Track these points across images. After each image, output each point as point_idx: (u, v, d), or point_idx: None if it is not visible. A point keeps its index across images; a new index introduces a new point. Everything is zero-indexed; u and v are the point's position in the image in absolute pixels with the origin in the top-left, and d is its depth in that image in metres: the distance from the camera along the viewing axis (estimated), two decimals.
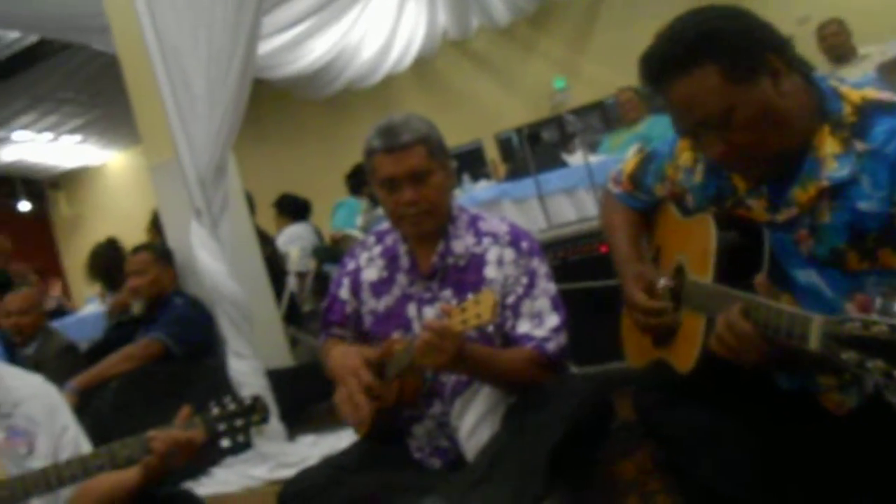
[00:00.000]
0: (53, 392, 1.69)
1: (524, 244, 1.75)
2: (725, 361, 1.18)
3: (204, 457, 2.81)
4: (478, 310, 1.39)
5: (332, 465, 1.75)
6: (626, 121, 5.01)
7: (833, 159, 1.15)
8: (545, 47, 7.78)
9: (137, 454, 1.48)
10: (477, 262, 1.73)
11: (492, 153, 7.37)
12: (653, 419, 1.40)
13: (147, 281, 3.16)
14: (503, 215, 3.34)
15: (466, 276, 1.73)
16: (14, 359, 3.16)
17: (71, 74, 6.46)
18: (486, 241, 1.75)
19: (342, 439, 2.50)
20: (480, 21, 7.35)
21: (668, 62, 1.19)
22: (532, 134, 5.21)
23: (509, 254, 1.73)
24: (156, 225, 3.98)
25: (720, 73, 1.14)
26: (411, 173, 1.66)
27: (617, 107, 5.22)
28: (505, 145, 5.76)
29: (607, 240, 1.68)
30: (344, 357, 1.71)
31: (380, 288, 1.81)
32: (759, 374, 1.29)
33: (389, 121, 1.70)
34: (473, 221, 1.81)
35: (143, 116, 3.35)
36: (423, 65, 7.70)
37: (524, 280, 1.70)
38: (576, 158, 3.91)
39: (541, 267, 1.74)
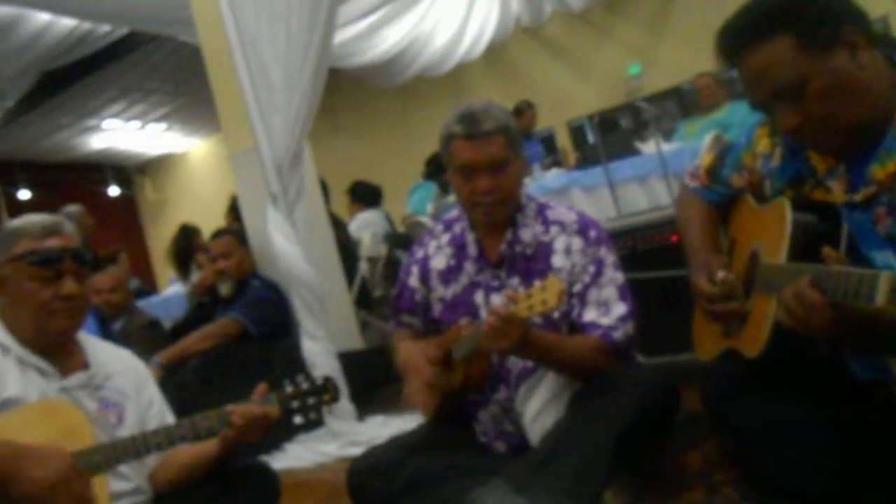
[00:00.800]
0: (141, 367, 1.81)
1: (592, 233, 1.74)
2: (795, 349, 1.16)
3: (278, 433, 2.92)
4: (544, 296, 1.40)
5: (400, 445, 1.80)
6: (704, 107, 4.86)
7: None
8: (621, 32, 7.61)
9: (217, 426, 1.56)
10: (544, 250, 1.74)
11: (564, 141, 7.30)
12: (721, 411, 1.38)
13: (233, 263, 3.30)
14: (572, 204, 3.33)
15: (534, 265, 1.73)
16: (105, 334, 3.36)
17: (157, 65, 6.73)
18: (554, 229, 1.76)
19: (409, 421, 2.56)
20: (554, 7, 7.26)
21: (743, 33, 1.20)
22: (607, 121, 5.13)
23: (577, 242, 1.72)
24: (234, 210, 4.14)
25: (795, 44, 1.14)
26: (490, 162, 1.67)
27: (695, 92, 5.07)
28: (577, 133, 5.69)
29: (680, 233, 1.67)
30: (408, 355, 1.77)
31: (448, 276, 1.84)
32: (831, 365, 1.27)
33: (470, 107, 1.70)
34: (541, 210, 1.81)
35: (223, 106, 3.48)
36: (496, 52, 7.67)
37: (591, 269, 1.70)
38: (649, 146, 3.84)
39: (608, 256, 1.73)
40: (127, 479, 1.60)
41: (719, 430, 1.43)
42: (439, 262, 1.87)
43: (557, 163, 5.31)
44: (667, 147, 3.80)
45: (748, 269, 1.39)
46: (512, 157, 1.70)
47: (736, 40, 1.22)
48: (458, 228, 1.87)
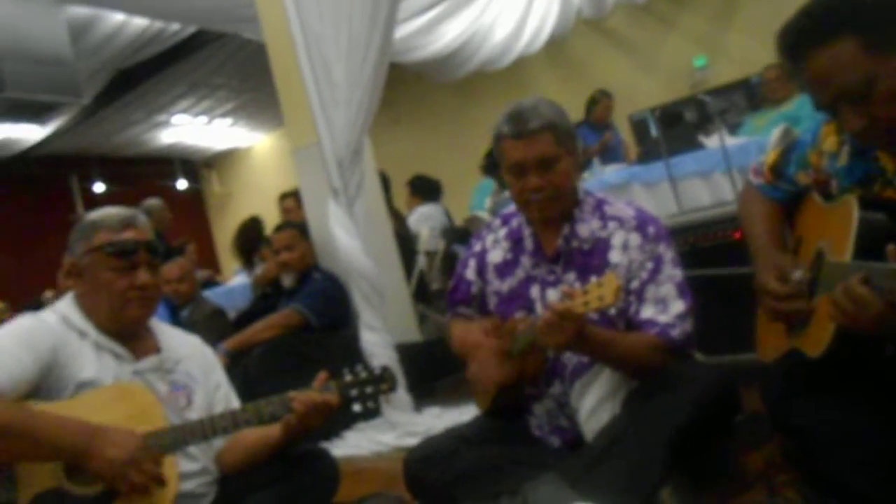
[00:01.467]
0: (209, 352, 1.89)
1: (651, 229, 1.73)
2: (861, 350, 1.14)
3: (337, 421, 2.99)
4: (600, 292, 1.40)
5: (455, 436, 1.82)
6: (772, 100, 4.72)
7: None
8: (686, 23, 7.41)
9: (280, 412, 1.63)
10: (602, 246, 1.73)
11: (626, 135, 7.17)
12: (781, 411, 1.35)
13: (297, 255, 3.39)
14: (632, 199, 3.29)
15: (591, 260, 1.73)
16: (175, 321, 3.50)
17: (224, 62, 6.93)
18: (612, 225, 1.75)
19: (465, 413, 2.58)
20: None
21: (806, 34, 1.18)
22: (670, 114, 5.03)
23: (635, 238, 1.71)
24: (283, 200, 4.29)
25: (859, 45, 1.12)
26: (538, 160, 1.68)
27: (763, 85, 4.92)
28: (639, 127, 5.59)
29: (744, 230, 1.63)
30: (466, 333, 1.78)
31: (504, 269, 1.85)
32: (891, 366, 1.23)
33: (518, 106, 1.71)
34: (599, 206, 1.80)
35: (287, 102, 3.56)
36: (557, 45, 7.58)
37: (649, 265, 1.69)
38: (713, 140, 3.75)
39: (667, 252, 1.71)
40: (195, 460, 1.67)
41: (779, 429, 1.39)
42: (496, 256, 1.88)
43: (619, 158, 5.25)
44: (732, 141, 3.71)
45: (814, 268, 1.35)
46: (561, 153, 1.70)
47: (798, 41, 1.20)
48: (515, 223, 1.88)
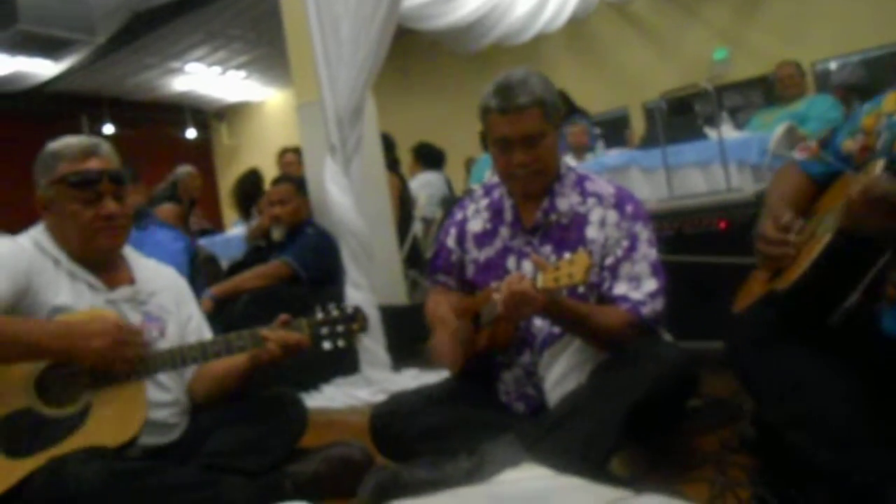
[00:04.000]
0: (182, 284, 1.92)
1: (629, 207, 1.75)
2: (825, 301, 1.18)
3: (316, 374, 3.05)
4: (571, 270, 1.43)
5: (424, 394, 1.87)
6: (784, 97, 4.69)
7: None
8: (709, 14, 7.33)
9: (249, 346, 1.67)
10: (580, 220, 1.76)
11: (638, 122, 7.12)
12: (742, 360, 1.37)
13: (289, 210, 3.40)
14: (629, 182, 3.30)
15: (568, 234, 1.75)
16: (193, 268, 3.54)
17: (242, 13, 6.89)
18: (591, 201, 1.77)
19: (442, 376, 2.62)
20: None
21: None
22: (679, 104, 5.01)
23: (612, 216, 1.74)
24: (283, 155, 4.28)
25: None
26: (525, 136, 1.68)
27: (776, 82, 4.89)
28: (652, 114, 5.56)
29: (766, 199, 1.62)
30: (437, 305, 1.82)
31: (483, 239, 1.88)
32: (862, 319, 1.24)
33: (507, 79, 1.70)
34: (580, 181, 1.82)
35: (295, 57, 3.57)
36: (577, 25, 7.48)
37: (625, 243, 1.71)
38: (723, 131, 3.73)
39: (643, 231, 1.73)
40: (167, 391, 1.72)
41: (737, 377, 1.40)
42: (476, 225, 1.90)
43: (624, 143, 5.24)
44: (737, 135, 3.72)
45: (814, 227, 1.38)
46: (548, 129, 1.71)
47: None
48: (497, 194, 1.90)
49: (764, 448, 1.52)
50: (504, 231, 1.85)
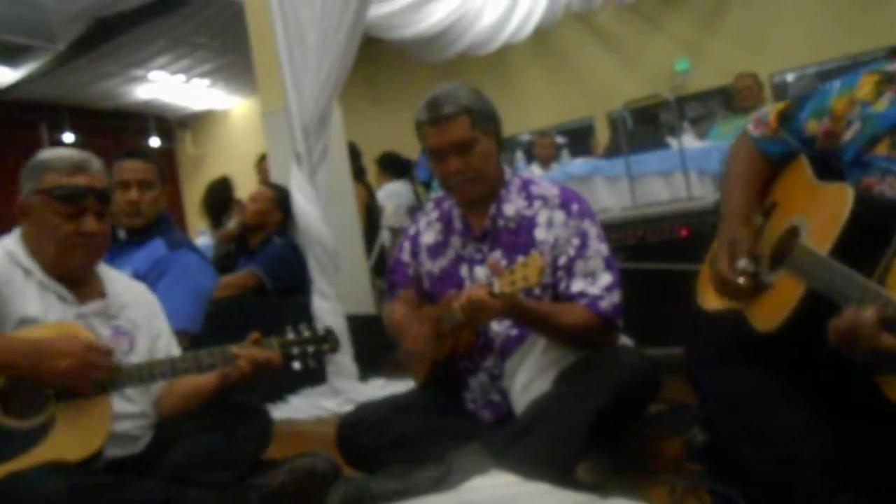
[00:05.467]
0: (153, 300, 1.90)
1: (574, 206, 1.79)
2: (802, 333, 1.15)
3: (282, 385, 3.02)
4: (525, 272, 1.46)
5: (391, 404, 1.88)
6: (742, 108, 4.81)
7: None
8: (672, 25, 7.47)
9: (219, 363, 1.65)
10: (527, 224, 1.79)
11: (602, 131, 7.21)
12: (699, 373, 1.39)
13: (255, 210, 3.44)
14: (593, 191, 3.35)
15: (517, 238, 1.79)
16: None
17: (206, 21, 6.81)
18: (537, 203, 1.81)
19: (409, 386, 2.61)
20: None
21: None
22: (643, 114, 5.09)
23: (559, 216, 1.78)
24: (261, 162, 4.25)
25: None
26: (455, 144, 1.74)
27: (734, 93, 5.01)
28: (616, 124, 5.65)
29: (723, 186, 1.56)
30: (400, 317, 1.83)
31: (436, 250, 1.91)
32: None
33: (435, 92, 1.77)
34: (525, 185, 1.86)
35: (260, 64, 3.57)
36: (543, 36, 7.57)
37: (575, 241, 1.75)
38: (685, 141, 3.79)
39: (592, 228, 1.78)
40: (133, 403, 1.69)
41: (695, 390, 1.42)
42: (428, 238, 1.94)
43: (589, 152, 5.30)
44: (699, 144, 3.80)
45: (783, 242, 1.34)
46: (478, 135, 1.76)
47: None
48: (446, 205, 1.94)
49: (713, 454, 1.51)
50: (455, 241, 1.88)
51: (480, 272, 1.80)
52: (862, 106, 1.34)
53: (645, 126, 4.37)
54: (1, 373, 1.47)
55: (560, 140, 5.80)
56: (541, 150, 5.69)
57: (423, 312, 1.85)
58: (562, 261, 1.75)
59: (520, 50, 7.68)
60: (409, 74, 8.38)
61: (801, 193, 1.40)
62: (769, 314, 1.27)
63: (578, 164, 3.85)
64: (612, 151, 3.90)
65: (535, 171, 5.39)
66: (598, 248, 1.76)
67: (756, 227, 1.45)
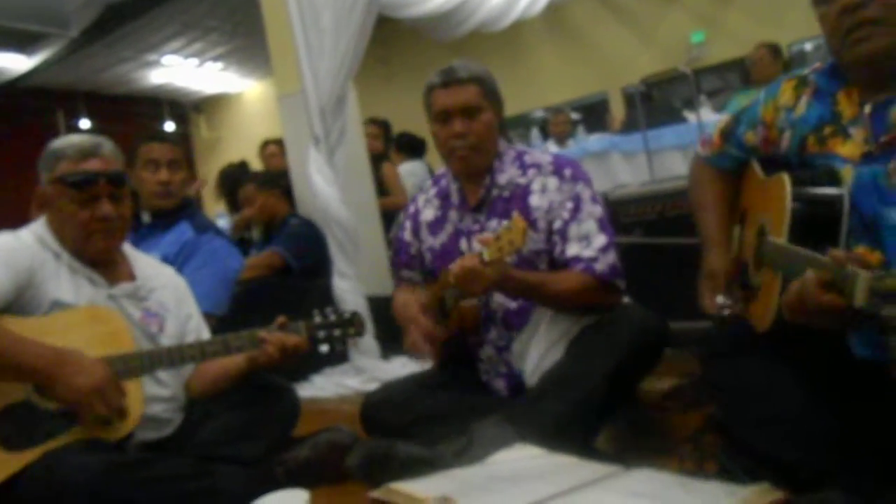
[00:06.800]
0: (182, 283, 1.93)
1: (567, 171, 1.81)
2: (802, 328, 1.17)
3: (306, 365, 3.06)
4: (510, 237, 1.48)
5: (414, 382, 1.94)
6: (759, 80, 4.74)
7: None
8: None
9: (247, 347, 1.69)
10: (522, 192, 1.82)
11: (617, 106, 7.14)
12: (712, 369, 1.42)
13: (255, 209, 3.45)
14: (610, 167, 3.34)
15: (511, 206, 1.81)
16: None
17: (218, 4, 6.81)
18: (531, 172, 1.83)
19: (430, 364, 2.65)
20: None
21: None
22: (658, 88, 5.05)
23: (552, 182, 1.80)
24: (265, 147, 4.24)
25: None
26: (464, 106, 1.78)
27: (752, 65, 4.94)
28: (631, 99, 5.60)
29: (694, 216, 1.63)
30: (405, 308, 1.85)
31: (435, 226, 1.94)
32: (833, 339, 1.27)
33: (450, 64, 1.83)
34: (519, 156, 1.89)
35: (275, 48, 3.55)
36: (556, 10, 7.46)
37: (569, 205, 1.77)
38: (702, 114, 3.76)
39: (585, 191, 1.79)
40: (165, 386, 1.73)
41: (708, 387, 1.47)
42: (428, 214, 1.96)
43: (604, 128, 5.27)
44: (715, 117, 3.76)
45: (758, 243, 1.39)
46: (485, 105, 1.80)
47: None
48: (444, 181, 1.96)
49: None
50: (453, 214, 1.91)
51: (478, 244, 1.82)
52: (786, 112, 1.42)
53: (659, 101, 4.32)
54: (20, 377, 1.46)
55: (575, 116, 5.74)
56: (555, 127, 5.64)
57: (424, 294, 1.88)
58: (557, 224, 1.76)
59: (532, 26, 7.58)
60: (421, 54, 8.32)
61: (758, 194, 1.48)
62: (762, 314, 1.32)
63: (595, 140, 3.84)
64: (629, 126, 3.88)
65: (552, 147, 5.36)
66: (592, 210, 1.77)
67: (736, 238, 1.52)
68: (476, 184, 1.87)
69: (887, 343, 0.98)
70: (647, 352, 1.67)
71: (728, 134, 1.57)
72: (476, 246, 1.80)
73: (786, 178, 1.28)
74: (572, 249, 1.74)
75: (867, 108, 1.25)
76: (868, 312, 0.94)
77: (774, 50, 4.46)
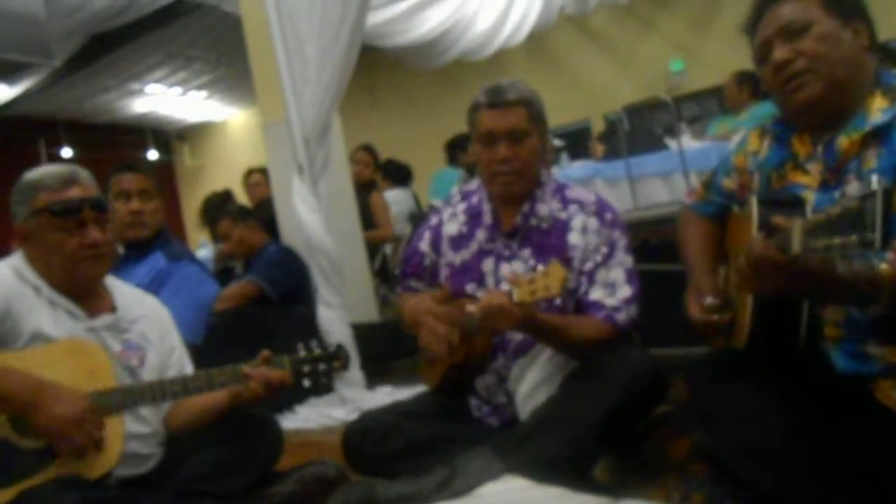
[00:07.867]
0: (165, 314, 1.89)
1: (608, 215, 1.80)
2: (777, 340, 1.26)
3: (290, 396, 3.01)
4: (547, 282, 1.47)
5: (397, 411, 1.88)
6: (731, 107, 4.86)
7: (878, 112, 1.30)
8: (666, 26, 7.48)
9: (230, 382, 1.65)
10: (561, 227, 1.79)
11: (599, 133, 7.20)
12: (699, 395, 1.44)
13: (233, 243, 3.45)
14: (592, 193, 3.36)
15: (549, 240, 1.79)
16: None
17: (201, 34, 6.82)
18: (573, 207, 1.81)
19: (416, 392, 2.62)
20: None
21: None
22: (640, 115, 5.10)
23: (593, 223, 1.78)
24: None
25: (820, 2, 1.34)
26: (510, 130, 1.74)
27: (725, 92, 5.04)
28: (613, 126, 5.65)
29: (680, 255, 1.71)
30: (417, 303, 1.83)
31: (459, 242, 1.90)
32: (814, 357, 1.32)
33: (497, 82, 1.79)
34: (560, 189, 1.87)
35: (259, 77, 3.56)
36: (537, 40, 7.60)
37: (604, 249, 1.76)
38: (683, 142, 3.80)
39: (621, 239, 1.78)
40: (146, 423, 1.69)
41: (695, 414, 1.48)
42: (452, 228, 1.92)
43: (587, 155, 5.30)
44: (696, 144, 3.81)
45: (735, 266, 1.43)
46: (532, 130, 1.76)
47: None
48: (475, 199, 1.93)
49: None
50: (480, 234, 1.87)
51: (506, 268, 1.80)
52: (753, 157, 1.55)
53: (641, 128, 4.37)
54: (0, 406, 1.44)
55: (558, 143, 5.78)
56: None
57: (441, 311, 1.83)
58: (587, 266, 1.75)
59: (515, 54, 7.70)
60: (405, 81, 8.40)
61: (737, 231, 1.56)
62: (739, 332, 1.38)
63: (578, 167, 3.86)
64: (611, 153, 3.91)
65: None
66: (623, 259, 1.76)
67: (722, 276, 1.59)
68: (512, 209, 1.84)
69: (836, 267, 1.08)
70: (643, 398, 1.65)
71: (709, 183, 1.68)
72: (503, 271, 1.79)
73: (753, 199, 1.37)
74: (596, 294, 1.73)
75: (819, 149, 1.38)
76: (806, 255, 1.02)
77: (740, 78, 4.57)
